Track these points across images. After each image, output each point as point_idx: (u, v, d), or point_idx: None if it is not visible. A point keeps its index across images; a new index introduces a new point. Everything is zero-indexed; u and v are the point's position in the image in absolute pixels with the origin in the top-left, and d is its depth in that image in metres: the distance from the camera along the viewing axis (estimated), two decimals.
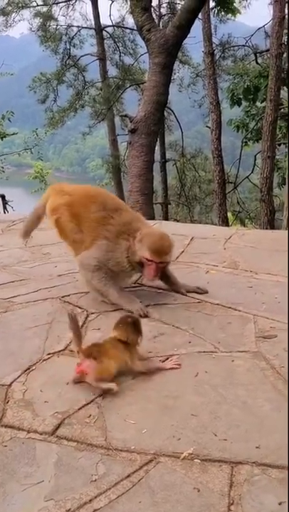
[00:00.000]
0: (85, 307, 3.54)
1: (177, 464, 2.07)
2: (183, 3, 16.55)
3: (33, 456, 2.15)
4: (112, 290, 3.56)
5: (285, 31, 16.25)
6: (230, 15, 19.50)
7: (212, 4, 18.24)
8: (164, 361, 2.78)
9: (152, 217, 12.19)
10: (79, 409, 2.45)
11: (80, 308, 3.54)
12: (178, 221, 23.04)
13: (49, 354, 2.96)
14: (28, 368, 2.82)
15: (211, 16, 18.77)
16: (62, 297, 3.73)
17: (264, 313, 3.27)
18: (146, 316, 3.33)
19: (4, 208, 15.16)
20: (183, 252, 4.59)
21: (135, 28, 13.73)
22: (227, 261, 4.31)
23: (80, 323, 3.29)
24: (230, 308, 3.38)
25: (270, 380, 2.57)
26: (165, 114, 19.98)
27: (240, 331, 3.07)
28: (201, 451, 2.12)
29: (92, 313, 3.44)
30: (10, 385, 2.68)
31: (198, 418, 2.32)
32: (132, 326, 2.79)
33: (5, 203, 15.19)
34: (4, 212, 15.00)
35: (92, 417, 2.39)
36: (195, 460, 2.08)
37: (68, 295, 3.76)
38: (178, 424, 2.29)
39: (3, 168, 17.44)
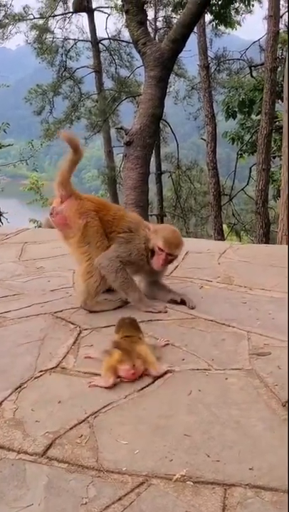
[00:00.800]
0: (77, 323, 3.51)
1: (169, 486, 2.04)
2: (178, 17, 16.70)
3: (23, 478, 2.11)
4: (134, 291, 3.78)
5: (280, 45, 16.44)
6: (228, 28, 19.75)
7: (209, 18, 18.46)
8: (156, 379, 2.75)
9: None
10: (70, 428, 2.41)
11: (72, 324, 3.51)
12: None
13: (41, 371, 2.92)
14: (20, 386, 2.78)
15: (207, 29, 18.98)
16: (55, 313, 3.71)
17: (258, 330, 3.25)
18: (165, 311, 3.65)
19: None
20: (177, 266, 4.56)
21: (131, 41, 13.81)
22: (221, 276, 4.30)
23: (73, 340, 3.28)
24: (224, 324, 3.36)
25: (263, 399, 2.54)
26: (161, 126, 20.05)
27: (234, 347, 3.05)
28: (193, 472, 2.09)
29: (84, 330, 3.41)
30: (0, 404, 2.64)
31: (191, 438, 2.29)
32: (132, 324, 3.09)
33: None
34: None
35: (84, 437, 2.35)
36: (187, 482, 2.05)
37: (61, 310, 3.74)
38: (170, 444, 2.26)
39: None
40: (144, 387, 2.70)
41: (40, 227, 17.11)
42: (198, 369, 2.83)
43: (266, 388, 2.62)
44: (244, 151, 20.28)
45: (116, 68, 23.70)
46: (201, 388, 2.64)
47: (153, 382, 2.74)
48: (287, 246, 5.11)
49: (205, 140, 18.38)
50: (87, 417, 2.48)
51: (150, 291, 4.00)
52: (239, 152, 20.52)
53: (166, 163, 23.34)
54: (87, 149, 26.09)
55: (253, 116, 19.09)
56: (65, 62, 23.28)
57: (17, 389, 2.76)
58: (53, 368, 2.96)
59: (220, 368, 2.82)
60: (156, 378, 2.75)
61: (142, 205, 11.58)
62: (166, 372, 2.81)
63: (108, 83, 23.79)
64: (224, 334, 3.22)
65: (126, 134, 11.58)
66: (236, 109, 18.44)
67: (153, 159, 19.00)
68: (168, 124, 22.66)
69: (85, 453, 2.24)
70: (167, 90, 13.68)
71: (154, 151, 17.32)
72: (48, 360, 3.05)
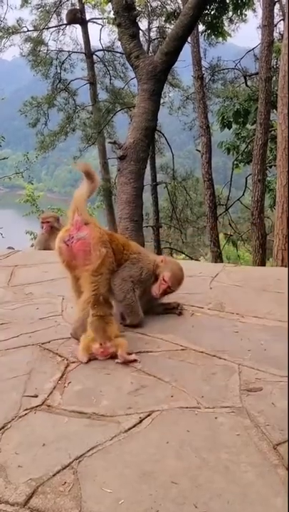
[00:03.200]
0: (65, 355, 3.43)
1: None
2: (171, 28, 16.71)
3: None
4: (137, 316, 3.89)
5: (274, 55, 16.44)
6: (220, 38, 19.77)
7: (202, 28, 18.45)
8: (144, 418, 2.67)
9: (142, 244, 12.12)
10: (54, 475, 2.32)
11: (59, 356, 3.43)
12: (171, 250, 23.04)
13: (26, 410, 2.84)
14: (3, 427, 2.69)
15: (201, 39, 18.96)
16: (43, 344, 3.62)
17: (249, 363, 3.17)
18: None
19: None
20: None
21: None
22: (213, 302, 4.21)
23: (59, 374, 3.19)
24: (214, 356, 3.27)
25: (254, 441, 2.45)
26: (156, 136, 20.03)
27: (225, 382, 2.96)
28: None
29: (72, 363, 3.33)
30: None
31: (179, 486, 2.20)
32: (107, 302, 3.53)
33: None
34: None
35: (67, 485, 2.26)
36: None
37: (49, 341, 3.65)
38: (157, 493, 2.17)
39: None
40: (132, 428, 2.61)
41: (35, 238, 17.08)
42: (187, 407, 2.74)
43: (256, 429, 2.54)
44: (240, 160, 20.26)
45: (110, 79, 23.67)
46: (190, 429, 2.56)
47: (140, 421, 2.65)
48: (280, 268, 5.02)
49: (200, 151, 18.30)
50: (72, 462, 2.39)
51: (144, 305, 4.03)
52: (235, 162, 20.50)
53: (162, 173, 23.29)
54: (82, 159, 26.05)
55: (249, 126, 19.08)
56: (60, 74, 23.25)
57: (1, 429, 2.68)
58: (38, 405, 2.87)
59: (209, 405, 2.74)
60: (143, 418, 2.67)
61: (137, 220, 11.50)
62: (134, 360, 3.25)
63: (103, 94, 23.78)
64: (215, 367, 3.13)
65: (119, 148, 11.54)
66: (231, 119, 18.44)
67: (148, 170, 18.97)
68: (163, 134, 22.63)
69: (68, 503, 2.16)
70: (162, 101, 13.67)
71: (149, 162, 17.28)
72: (33, 397, 2.96)
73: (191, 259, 24.66)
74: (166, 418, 2.66)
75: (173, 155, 22.96)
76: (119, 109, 22.96)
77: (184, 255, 24.44)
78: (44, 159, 26.59)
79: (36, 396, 2.97)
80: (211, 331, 3.66)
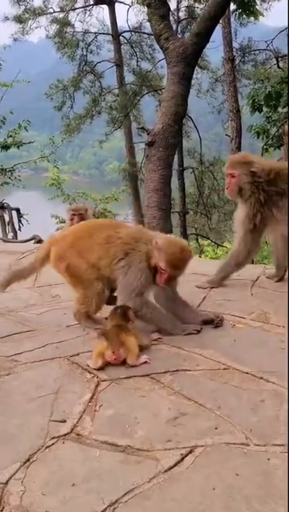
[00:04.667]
0: (95, 372, 3.13)
1: None
2: (203, 7, 16.13)
3: None
4: (166, 320, 3.67)
5: None
6: (251, 18, 19.08)
7: (233, 7, 17.81)
8: (185, 456, 2.37)
9: (170, 233, 11.76)
10: None
11: (89, 373, 3.14)
12: (197, 235, 22.57)
13: (53, 438, 2.56)
14: (28, 459, 2.42)
15: (231, 19, 18.32)
16: (71, 356, 3.34)
17: None
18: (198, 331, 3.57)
19: (19, 221, 14.83)
20: (205, 298, 4.16)
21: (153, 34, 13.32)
22: (255, 312, 3.86)
23: (90, 394, 2.91)
24: (261, 378, 2.94)
25: None
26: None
27: (275, 412, 2.63)
28: None
29: (103, 381, 3.03)
30: (6, 484, 2.29)
31: None
32: (123, 315, 3.41)
33: (20, 216, 14.86)
34: (19, 227, 14.69)
35: None
36: None
37: (77, 354, 3.37)
38: None
39: (19, 176, 17.09)
40: (172, 467, 2.31)
41: (62, 222, 16.87)
42: (234, 443, 2.42)
43: None
44: (270, 145, 19.62)
45: (137, 61, 23.20)
46: (239, 472, 2.24)
47: (182, 459, 2.35)
48: None
49: (229, 136, 17.78)
50: (105, 509, 2.10)
51: (174, 310, 3.77)
52: (264, 146, 19.88)
53: (189, 158, 22.81)
54: (108, 141, 25.73)
55: (280, 109, 18.45)
56: (86, 56, 22.87)
57: (25, 463, 2.41)
58: (66, 434, 2.60)
59: (260, 442, 2.41)
60: (185, 456, 2.36)
61: (164, 208, 11.17)
62: (144, 362, 3.21)
63: (129, 77, 23.33)
64: (263, 393, 2.80)
65: (148, 134, 11.16)
66: (262, 103, 17.82)
67: (175, 155, 18.54)
68: (190, 118, 22.09)
69: None
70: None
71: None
72: (61, 422, 2.68)
73: (218, 245, 24.26)
74: (211, 456, 2.35)
75: (201, 139, 22.43)
76: (146, 92, 22.50)
77: (209, 241, 24.04)
78: (69, 142, 26.32)
79: (64, 421, 2.69)
80: (255, 346, 3.32)
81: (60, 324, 3.86)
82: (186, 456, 2.36)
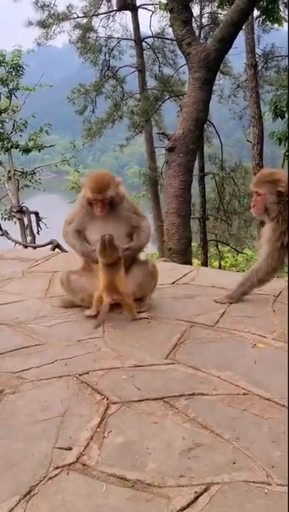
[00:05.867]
0: (105, 393, 2.93)
1: None
2: (226, 14, 15.94)
3: None
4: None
5: None
6: (275, 24, 18.83)
7: (256, 14, 17.59)
8: (200, 494, 2.15)
9: (189, 240, 11.55)
10: None
11: (99, 393, 2.94)
12: (217, 242, 22.30)
13: (57, 468, 2.37)
14: (30, 492, 2.23)
15: (254, 25, 18.11)
16: (80, 375, 3.14)
17: None
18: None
19: (38, 225, 14.78)
20: (224, 313, 3.94)
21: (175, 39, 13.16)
22: (277, 330, 3.61)
23: (98, 419, 2.71)
24: (284, 406, 2.70)
25: None
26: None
27: None
28: None
29: (113, 403, 2.83)
30: None
31: None
32: (111, 247, 3.73)
33: (38, 220, 14.81)
34: (38, 231, 14.63)
35: None
36: None
37: (87, 372, 3.17)
38: None
39: (40, 179, 17.06)
40: (185, 508, 2.09)
41: None
42: (254, 481, 2.20)
43: None
44: None
45: (160, 67, 23.03)
46: None
47: (196, 499, 2.13)
48: None
49: (251, 142, 17.53)
50: None
51: None
52: (286, 153, 19.58)
53: (210, 164, 22.57)
54: (129, 146, 25.65)
55: None
56: (108, 61, 22.78)
57: (26, 495, 2.22)
58: (71, 463, 2.40)
59: (283, 482, 2.18)
60: (199, 494, 2.15)
61: (184, 215, 11.00)
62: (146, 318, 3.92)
63: (151, 82, 23.17)
64: (286, 423, 2.57)
65: (168, 140, 11.00)
66: (284, 109, 17.55)
67: (196, 161, 18.32)
68: (212, 123, 21.85)
69: None
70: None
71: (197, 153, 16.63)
72: (66, 449, 2.49)
73: (238, 252, 23.99)
74: (228, 496, 2.13)
75: (222, 145, 22.18)
76: (167, 97, 22.32)
77: (229, 247, 23.80)
78: (91, 146, 26.28)
79: (70, 448, 2.50)
80: (277, 369, 3.08)
81: (71, 338, 3.67)
82: (201, 495, 2.15)
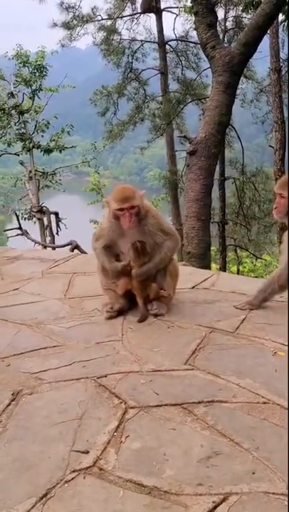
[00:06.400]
0: (123, 397, 2.91)
1: None
2: (250, 18, 15.87)
3: None
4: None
5: None
6: None
7: (281, 18, 17.48)
8: (218, 504, 2.12)
9: (209, 244, 11.48)
10: None
11: (117, 397, 2.92)
12: (236, 247, 22.21)
13: (73, 472, 2.35)
14: (46, 495, 2.22)
15: (279, 29, 17.99)
16: (98, 378, 3.13)
17: None
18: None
19: (57, 225, 14.82)
20: (244, 320, 3.89)
21: (199, 42, 13.13)
22: None
23: (116, 423, 2.69)
24: None
25: None
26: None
27: None
28: None
29: (131, 408, 2.81)
30: None
31: None
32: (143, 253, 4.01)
33: (58, 220, 14.85)
34: (57, 231, 14.67)
35: None
36: None
37: (105, 375, 3.15)
38: None
39: (60, 180, 17.10)
40: None
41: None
42: (273, 493, 2.16)
43: None
44: None
45: (182, 70, 23.00)
46: None
47: (214, 508, 2.10)
48: None
49: (273, 147, 17.39)
50: None
51: None
52: None
53: (230, 168, 22.47)
54: (149, 148, 25.63)
55: None
56: (131, 63, 22.83)
57: (42, 498, 2.21)
58: (88, 467, 2.38)
59: None
60: (217, 504, 2.11)
61: (204, 219, 10.93)
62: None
63: (173, 85, 23.15)
64: None
65: (190, 143, 10.95)
66: None
67: (217, 165, 18.23)
68: (233, 128, 21.75)
69: None
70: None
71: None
72: (84, 453, 2.47)
73: (256, 257, 23.86)
74: (247, 507, 2.09)
75: (243, 149, 22.06)
76: (189, 100, 22.28)
77: (248, 253, 23.69)
78: (112, 148, 26.35)
79: (87, 452, 2.48)
80: None
81: (90, 340, 3.66)
82: (219, 504, 2.11)
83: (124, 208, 3.88)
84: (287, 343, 3.45)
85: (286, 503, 2.10)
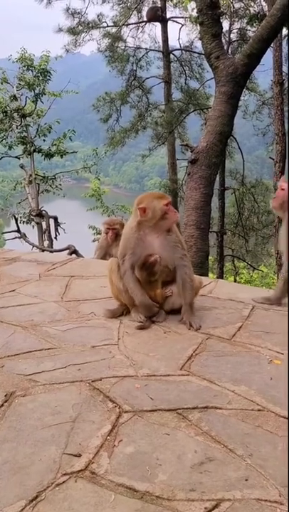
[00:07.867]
0: (117, 401, 2.89)
1: None
2: (255, 30, 15.97)
3: None
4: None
5: None
6: None
7: (285, 32, 17.59)
8: (210, 510, 2.09)
9: (207, 253, 11.47)
10: None
11: (111, 401, 2.90)
12: (233, 257, 22.24)
13: (65, 475, 2.33)
14: (36, 497, 2.19)
15: (283, 43, 18.11)
16: (93, 381, 3.11)
17: None
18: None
19: (56, 230, 14.80)
20: (241, 327, 3.88)
21: (203, 53, 13.19)
22: None
23: (109, 427, 2.67)
24: None
25: None
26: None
27: None
28: None
29: (125, 412, 2.79)
30: None
31: None
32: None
33: (57, 225, 14.84)
34: (56, 235, 14.65)
35: None
36: None
37: (100, 379, 3.13)
38: None
39: (60, 185, 17.10)
40: None
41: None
42: (266, 500, 2.14)
43: None
44: None
45: (186, 79, 23.09)
46: None
47: None
48: None
49: (273, 159, 17.45)
50: None
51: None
52: None
53: (230, 178, 22.52)
54: (150, 156, 25.68)
55: None
56: (135, 71, 22.90)
57: (32, 501, 2.18)
58: (80, 470, 2.36)
59: None
60: (209, 510, 2.09)
61: (203, 227, 10.93)
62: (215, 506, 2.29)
63: (177, 94, 23.23)
64: None
65: (191, 152, 10.98)
66: None
67: (217, 175, 18.26)
68: (235, 139, 21.82)
69: None
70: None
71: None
72: (76, 456, 2.45)
73: (254, 268, 23.88)
74: None
75: (244, 160, 22.13)
76: (192, 109, 22.34)
77: (245, 263, 23.73)
78: (113, 154, 26.42)
79: (79, 455, 2.46)
80: None
81: (85, 344, 3.64)
82: (212, 510, 2.09)
83: (169, 203, 3.95)
84: (283, 352, 3.44)
85: (278, 511, 2.08)
